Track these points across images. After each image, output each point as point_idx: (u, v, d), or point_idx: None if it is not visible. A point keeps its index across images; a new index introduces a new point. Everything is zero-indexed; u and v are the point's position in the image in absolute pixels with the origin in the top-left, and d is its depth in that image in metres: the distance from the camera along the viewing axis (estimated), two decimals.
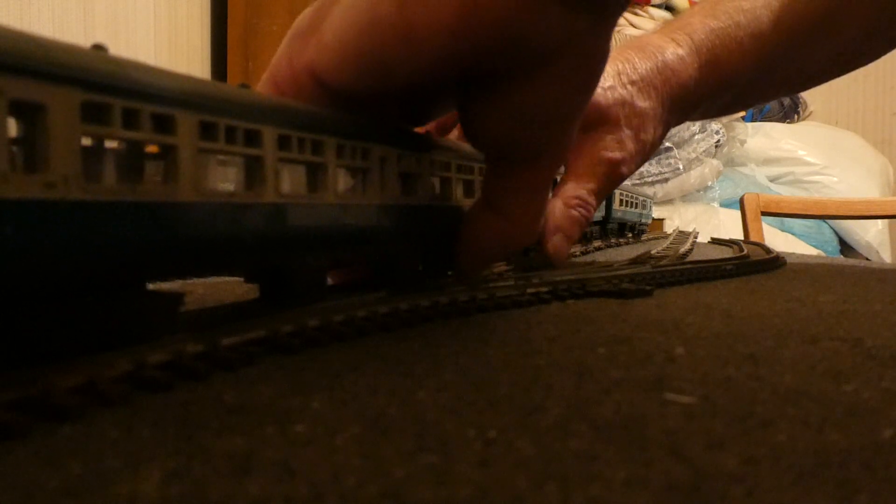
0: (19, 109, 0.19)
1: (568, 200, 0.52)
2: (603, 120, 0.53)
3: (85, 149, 0.21)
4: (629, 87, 0.54)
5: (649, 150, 0.56)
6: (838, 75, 0.68)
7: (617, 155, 0.53)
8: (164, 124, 0.23)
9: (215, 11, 2.42)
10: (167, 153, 0.24)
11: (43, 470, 0.16)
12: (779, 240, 2.05)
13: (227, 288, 0.47)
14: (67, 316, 0.22)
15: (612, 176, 0.54)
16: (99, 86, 0.21)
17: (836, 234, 2.52)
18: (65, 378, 0.21)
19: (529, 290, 0.43)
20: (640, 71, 0.54)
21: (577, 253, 0.81)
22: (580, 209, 0.52)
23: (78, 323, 0.23)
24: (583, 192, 0.52)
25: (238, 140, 0.26)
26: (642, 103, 0.54)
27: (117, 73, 0.22)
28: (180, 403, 0.22)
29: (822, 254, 2.17)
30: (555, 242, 0.52)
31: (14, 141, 0.19)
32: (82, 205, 0.20)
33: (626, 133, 0.53)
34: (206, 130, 0.25)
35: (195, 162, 0.24)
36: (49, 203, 0.20)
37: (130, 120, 0.22)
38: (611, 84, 0.53)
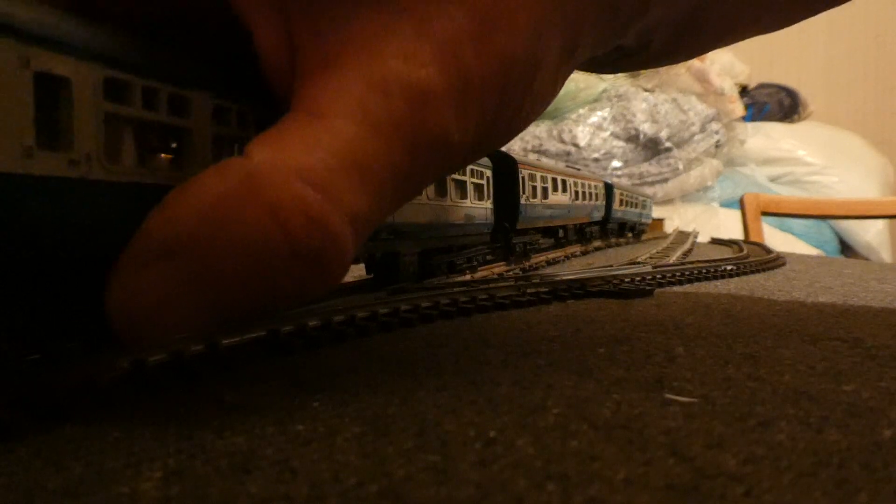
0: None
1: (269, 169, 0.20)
2: None
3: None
4: None
5: (517, 78, 0.24)
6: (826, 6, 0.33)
7: (421, 73, 0.22)
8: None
9: None
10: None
11: (44, 470, 0.16)
12: (779, 240, 2.05)
13: None
14: None
15: (413, 126, 0.22)
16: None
17: (836, 234, 2.52)
18: (65, 378, 0.21)
19: (529, 291, 0.43)
20: None
21: (578, 252, 0.80)
22: (304, 213, 0.20)
23: None
24: (322, 158, 0.21)
25: None
26: None
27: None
28: (180, 403, 0.22)
29: (822, 254, 2.17)
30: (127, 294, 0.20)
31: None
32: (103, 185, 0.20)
33: (455, 19, 0.22)
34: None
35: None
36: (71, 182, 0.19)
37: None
38: None
